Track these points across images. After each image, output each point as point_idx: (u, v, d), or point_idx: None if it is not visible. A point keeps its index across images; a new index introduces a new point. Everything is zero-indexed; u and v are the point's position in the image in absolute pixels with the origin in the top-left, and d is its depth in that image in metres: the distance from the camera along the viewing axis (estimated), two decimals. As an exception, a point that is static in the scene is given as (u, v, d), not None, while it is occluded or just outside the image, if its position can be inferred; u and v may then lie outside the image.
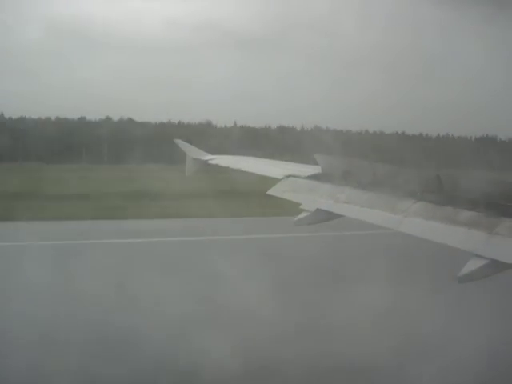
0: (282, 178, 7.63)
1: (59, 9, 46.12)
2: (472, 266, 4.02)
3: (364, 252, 14.52)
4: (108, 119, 37.50)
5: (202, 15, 48.88)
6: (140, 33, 47.66)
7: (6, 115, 35.28)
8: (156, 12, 50.57)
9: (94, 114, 36.07)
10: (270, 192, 7.56)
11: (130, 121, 37.39)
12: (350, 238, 15.85)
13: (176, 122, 39.95)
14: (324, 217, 6.29)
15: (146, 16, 48.55)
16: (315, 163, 7.27)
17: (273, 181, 7.81)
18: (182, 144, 11.88)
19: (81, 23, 48.65)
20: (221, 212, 20.22)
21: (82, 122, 37.23)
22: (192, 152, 11.54)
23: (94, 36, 46.52)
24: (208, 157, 11.17)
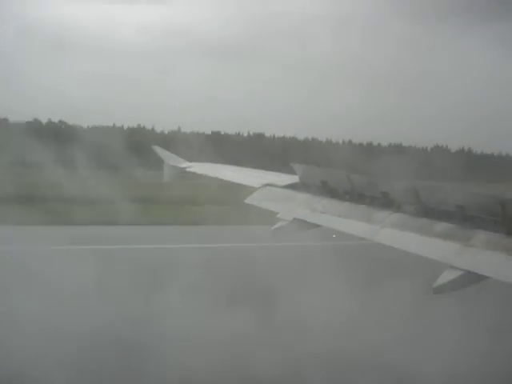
0: (260, 187, 7.63)
1: (31, 12, 45.63)
2: (447, 277, 4.05)
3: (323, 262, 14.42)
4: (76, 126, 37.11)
5: (175, 21, 48.97)
6: (112, 37, 47.49)
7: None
8: (129, 17, 50.48)
9: (66, 119, 35.74)
10: (248, 201, 7.54)
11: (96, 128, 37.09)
12: (325, 248, 15.83)
13: (148, 127, 39.72)
14: (301, 226, 6.29)
15: (118, 20, 48.46)
16: (292, 172, 7.30)
17: (250, 189, 7.81)
18: (159, 151, 11.83)
19: (52, 26, 48.30)
20: (200, 220, 20.22)
21: (52, 126, 36.76)
22: (170, 159, 11.49)
23: (66, 39, 46.21)
24: (186, 164, 11.13)
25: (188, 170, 10.82)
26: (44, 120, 36.20)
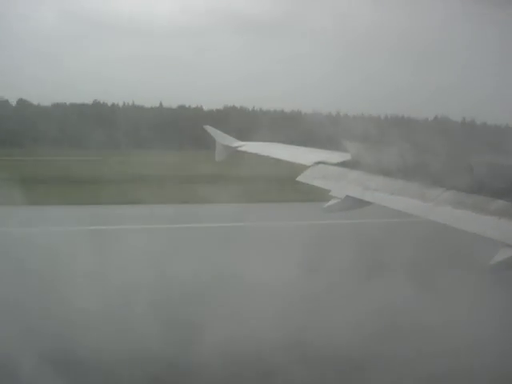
0: (312, 165, 7.65)
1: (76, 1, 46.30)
2: (503, 255, 4.01)
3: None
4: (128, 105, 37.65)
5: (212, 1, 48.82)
6: (150, 18, 47.82)
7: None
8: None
9: (110, 99, 36.38)
10: (300, 178, 7.58)
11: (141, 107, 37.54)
12: (379, 225, 15.68)
13: (193, 106, 39.93)
14: (354, 204, 6.30)
15: (156, 1, 48.61)
16: (344, 150, 7.28)
17: (303, 167, 7.84)
18: (211, 130, 11.94)
19: (93, 10, 48.95)
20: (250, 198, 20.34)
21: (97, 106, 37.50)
22: (221, 138, 11.60)
23: (107, 22, 46.78)
24: (237, 143, 11.22)
25: (239, 149, 10.91)
26: (89, 101, 36.96)
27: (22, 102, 35.56)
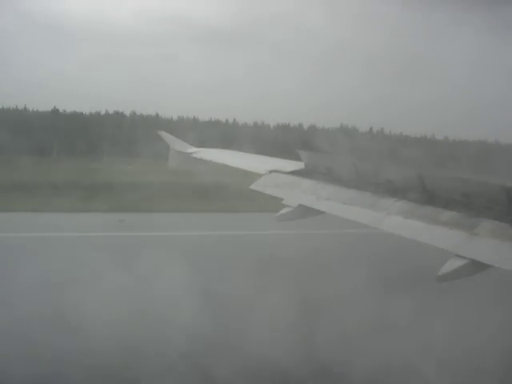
0: (265, 173, 7.62)
1: (29, 2, 45.54)
2: (451, 265, 4.04)
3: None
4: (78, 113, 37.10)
5: (170, 8, 48.84)
6: (109, 25, 47.53)
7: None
8: (124, 4, 50.35)
9: (66, 107, 35.83)
10: (253, 187, 7.54)
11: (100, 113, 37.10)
12: (328, 235, 15.65)
13: (145, 114, 39.75)
14: (306, 213, 6.29)
15: (114, 8, 48.34)
16: (298, 159, 7.28)
17: (256, 175, 7.80)
18: (165, 136, 11.81)
19: (51, 15, 48.32)
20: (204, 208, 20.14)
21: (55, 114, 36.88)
22: (176, 144, 11.48)
23: (65, 28, 46.23)
24: (192, 149, 11.11)
25: (194, 155, 10.80)
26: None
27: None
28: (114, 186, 19.05)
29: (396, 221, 4.90)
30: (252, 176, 8.00)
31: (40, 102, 33.02)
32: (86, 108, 35.36)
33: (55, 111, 34.98)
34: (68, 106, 34.29)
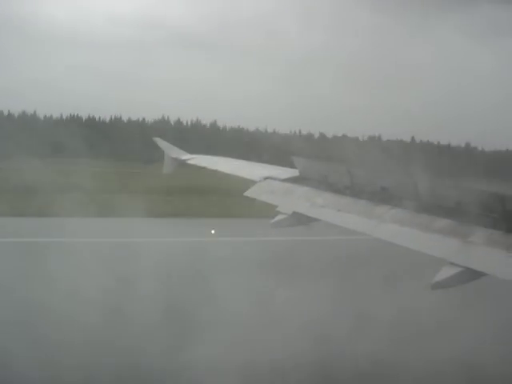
0: (260, 180, 7.63)
1: (2, 7, 45.66)
2: (446, 273, 4.06)
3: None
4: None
5: (146, 13, 49.14)
6: (85, 30, 47.69)
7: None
8: (100, 9, 50.62)
9: (43, 111, 35.81)
10: (248, 194, 7.54)
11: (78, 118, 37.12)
12: (323, 242, 15.71)
13: (126, 118, 39.82)
14: (301, 220, 6.30)
15: (89, 13, 48.49)
16: (293, 166, 7.29)
17: (251, 182, 7.80)
18: (160, 142, 11.80)
19: (26, 21, 48.38)
20: (200, 212, 20.17)
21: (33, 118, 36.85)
22: (171, 151, 11.47)
23: (40, 34, 46.32)
24: (186, 156, 11.10)
25: (189, 162, 10.80)
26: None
27: None
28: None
29: (390, 228, 4.91)
30: (246, 183, 8.02)
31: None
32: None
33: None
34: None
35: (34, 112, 36.69)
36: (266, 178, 7.57)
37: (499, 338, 9.05)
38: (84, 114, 37.84)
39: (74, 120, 37.22)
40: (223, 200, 20.54)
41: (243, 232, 16.88)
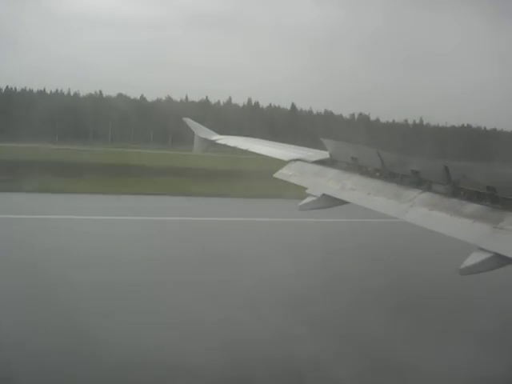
0: (290, 162, 7.63)
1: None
2: (475, 258, 4.04)
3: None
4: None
5: None
6: (97, 8, 48.51)
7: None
8: None
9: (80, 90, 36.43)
10: (277, 175, 7.55)
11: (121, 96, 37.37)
12: (352, 224, 15.71)
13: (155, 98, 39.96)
14: (330, 202, 6.29)
15: None
16: (323, 148, 7.27)
17: (281, 163, 7.80)
18: (190, 123, 11.85)
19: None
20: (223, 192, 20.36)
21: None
22: (200, 131, 11.53)
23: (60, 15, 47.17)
24: (216, 136, 11.15)
25: (218, 142, 10.85)
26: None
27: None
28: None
29: (420, 212, 4.89)
30: (276, 164, 8.02)
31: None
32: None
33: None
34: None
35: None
36: (296, 160, 7.57)
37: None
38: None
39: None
40: (256, 180, 20.68)
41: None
